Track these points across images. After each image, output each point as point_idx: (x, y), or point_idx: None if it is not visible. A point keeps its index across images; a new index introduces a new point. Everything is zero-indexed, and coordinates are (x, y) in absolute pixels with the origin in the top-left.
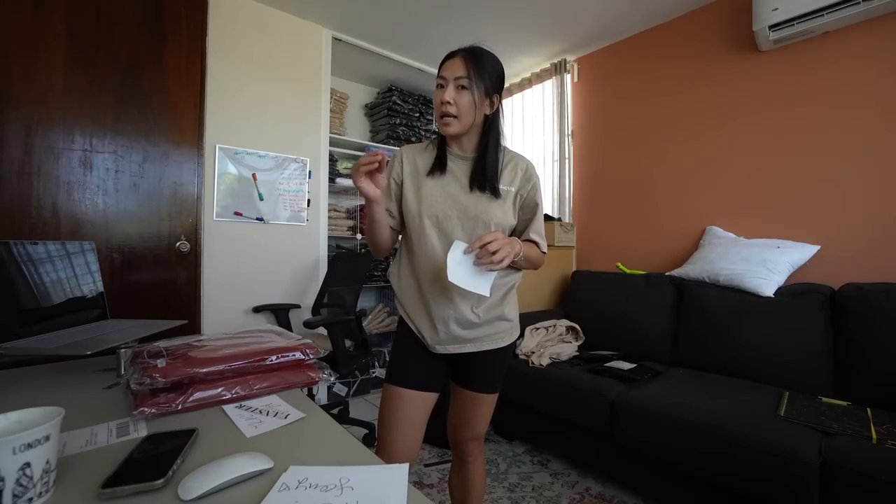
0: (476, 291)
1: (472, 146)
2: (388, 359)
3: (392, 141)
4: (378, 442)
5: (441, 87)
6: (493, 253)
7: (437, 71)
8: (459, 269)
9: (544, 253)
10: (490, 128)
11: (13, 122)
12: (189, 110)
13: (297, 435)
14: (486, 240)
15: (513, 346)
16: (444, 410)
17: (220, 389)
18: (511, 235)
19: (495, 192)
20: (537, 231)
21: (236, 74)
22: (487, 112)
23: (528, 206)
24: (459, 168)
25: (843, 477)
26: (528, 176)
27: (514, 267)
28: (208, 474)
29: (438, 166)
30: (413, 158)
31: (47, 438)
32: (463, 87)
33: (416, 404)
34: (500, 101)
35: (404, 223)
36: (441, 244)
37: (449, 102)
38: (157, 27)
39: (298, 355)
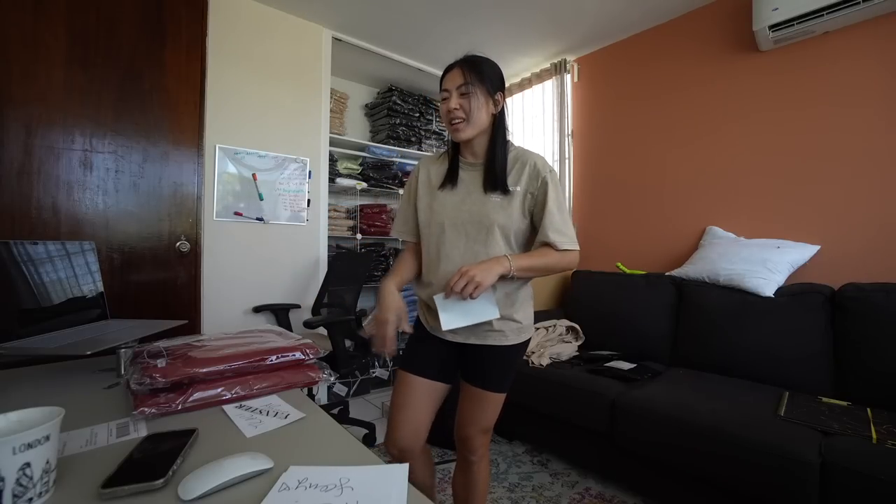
0: (483, 320)
1: (482, 149)
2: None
3: (392, 141)
4: (387, 424)
5: (446, 98)
6: (469, 280)
7: (434, 69)
8: (453, 315)
9: (566, 250)
10: (497, 128)
11: (13, 122)
12: (189, 110)
13: (297, 435)
14: (451, 281)
15: (522, 347)
16: (443, 411)
17: (220, 389)
18: (529, 234)
19: (505, 192)
20: (555, 229)
21: (236, 74)
22: (494, 111)
23: (539, 204)
24: (471, 177)
25: (843, 477)
26: (536, 173)
27: (522, 277)
28: (208, 474)
29: (450, 178)
30: (428, 170)
31: (47, 438)
32: (465, 94)
33: (422, 390)
34: (503, 100)
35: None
36: (450, 251)
37: (456, 108)
38: (157, 27)
39: (298, 355)
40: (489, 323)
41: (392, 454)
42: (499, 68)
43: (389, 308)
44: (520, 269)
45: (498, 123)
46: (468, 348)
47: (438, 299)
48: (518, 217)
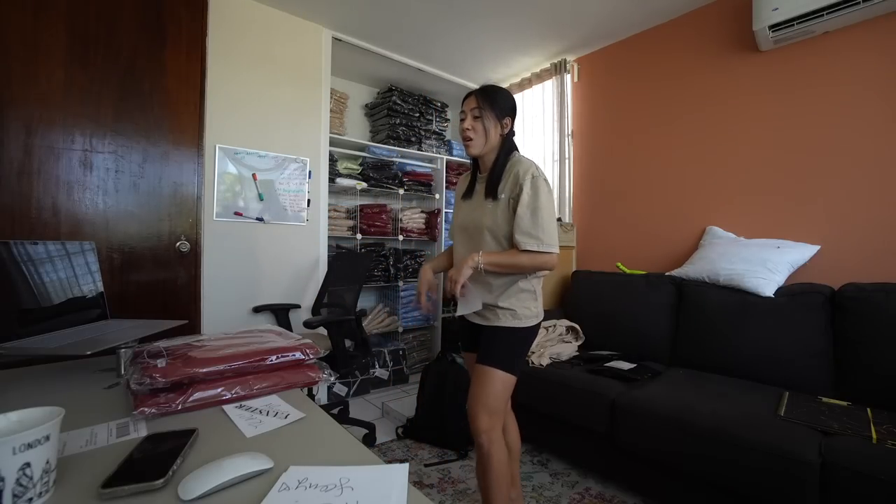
0: (474, 310)
1: (491, 164)
2: (388, 360)
3: (392, 141)
4: None
5: (462, 119)
6: (450, 281)
7: (434, 69)
8: (462, 306)
9: (532, 251)
10: (503, 146)
11: (13, 122)
12: (189, 110)
13: (297, 435)
14: (447, 283)
15: (518, 332)
16: (442, 414)
17: (220, 389)
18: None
19: (495, 198)
20: (522, 231)
21: (236, 74)
22: (502, 133)
23: (515, 207)
24: (482, 188)
25: (843, 477)
26: (517, 179)
27: (495, 272)
28: (208, 474)
29: (469, 191)
30: (460, 187)
31: (47, 438)
32: (477, 117)
33: (471, 361)
34: (512, 124)
35: None
36: (460, 249)
37: (468, 129)
38: (157, 27)
39: (298, 355)
40: (487, 307)
41: None
42: (511, 97)
43: (422, 283)
44: (488, 264)
45: (504, 143)
46: (480, 330)
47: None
48: (503, 219)
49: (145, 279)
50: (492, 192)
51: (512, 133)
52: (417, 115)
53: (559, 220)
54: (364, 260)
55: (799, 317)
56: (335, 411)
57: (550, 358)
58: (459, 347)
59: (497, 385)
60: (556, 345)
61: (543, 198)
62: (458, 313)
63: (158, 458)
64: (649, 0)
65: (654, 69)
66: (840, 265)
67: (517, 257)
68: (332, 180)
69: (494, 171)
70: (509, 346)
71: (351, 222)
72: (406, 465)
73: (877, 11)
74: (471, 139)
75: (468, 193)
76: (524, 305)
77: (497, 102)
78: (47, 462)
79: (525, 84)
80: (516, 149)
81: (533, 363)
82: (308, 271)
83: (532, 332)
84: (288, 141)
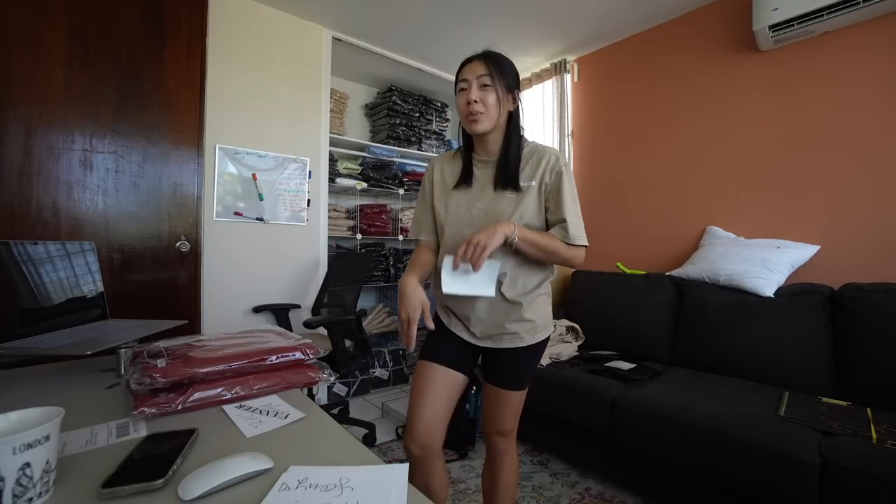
0: (480, 294)
1: (496, 147)
2: (389, 358)
3: (392, 141)
4: (408, 412)
5: (464, 89)
6: (475, 246)
7: (434, 69)
8: (455, 282)
9: (572, 244)
10: (513, 125)
11: (13, 122)
12: (189, 110)
13: (297, 435)
14: (459, 251)
15: (538, 347)
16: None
17: (220, 389)
18: (543, 229)
19: (517, 188)
20: (569, 221)
21: (236, 74)
22: (511, 108)
23: (553, 197)
24: (485, 175)
25: (843, 477)
26: (551, 167)
27: (521, 249)
28: (208, 474)
29: (465, 178)
30: (442, 169)
31: (47, 438)
32: (486, 86)
33: (442, 378)
34: (519, 98)
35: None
36: None
37: (476, 100)
38: (157, 27)
39: (298, 355)
40: (502, 325)
41: (411, 452)
42: (515, 67)
43: (414, 305)
44: (522, 238)
45: (513, 121)
46: (485, 349)
47: (446, 264)
48: (531, 212)
49: (145, 279)
50: (510, 183)
51: (518, 109)
52: (417, 115)
53: None
54: (364, 260)
55: (799, 317)
56: (335, 411)
57: (550, 358)
58: (421, 355)
59: (517, 406)
60: (556, 345)
61: (574, 189)
62: (450, 291)
63: (158, 458)
64: (649, 0)
65: (654, 69)
66: (840, 265)
67: (556, 242)
68: (332, 180)
69: (509, 157)
70: (529, 364)
71: (351, 222)
72: (406, 465)
73: (877, 11)
74: (480, 113)
75: (464, 182)
76: (542, 312)
77: (507, 71)
78: (47, 462)
79: (525, 84)
80: (523, 129)
81: None
82: (308, 271)
83: (548, 339)
84: (288, 141)
